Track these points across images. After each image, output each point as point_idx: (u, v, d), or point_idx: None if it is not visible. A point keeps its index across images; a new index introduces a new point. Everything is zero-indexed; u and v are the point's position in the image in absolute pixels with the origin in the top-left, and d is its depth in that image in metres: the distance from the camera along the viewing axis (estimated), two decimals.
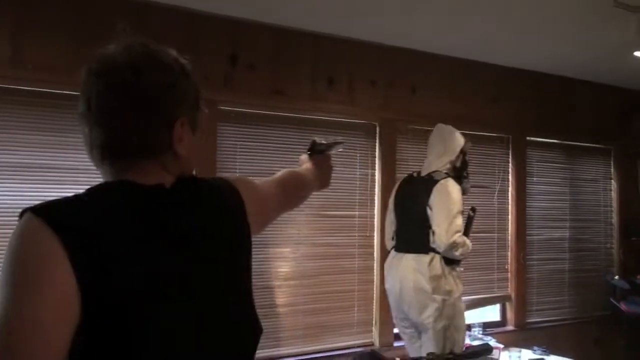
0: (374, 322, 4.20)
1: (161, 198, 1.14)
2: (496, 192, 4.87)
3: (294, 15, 3.68)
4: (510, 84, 4.89)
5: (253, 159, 3.77)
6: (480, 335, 4.50)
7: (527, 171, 5.03)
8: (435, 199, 3.51)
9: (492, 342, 4.40)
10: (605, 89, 5.47)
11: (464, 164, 3.76)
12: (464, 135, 3.79)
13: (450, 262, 3.52)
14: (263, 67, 3.80)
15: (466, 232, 3.61)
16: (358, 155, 4.17)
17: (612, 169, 5.67)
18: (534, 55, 4.55)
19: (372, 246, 4.21)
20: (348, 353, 3.95)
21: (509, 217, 4.93)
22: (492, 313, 4.96)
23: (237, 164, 3.72)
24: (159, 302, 1.05)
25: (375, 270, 4.21)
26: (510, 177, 4.95)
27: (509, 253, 4.92)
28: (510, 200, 4.94)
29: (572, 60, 4.68)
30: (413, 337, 3.66)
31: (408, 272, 3.54)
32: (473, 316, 4.75)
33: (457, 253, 3.48)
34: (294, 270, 3.91)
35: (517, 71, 4.89)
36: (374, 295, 4.21)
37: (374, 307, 4.21)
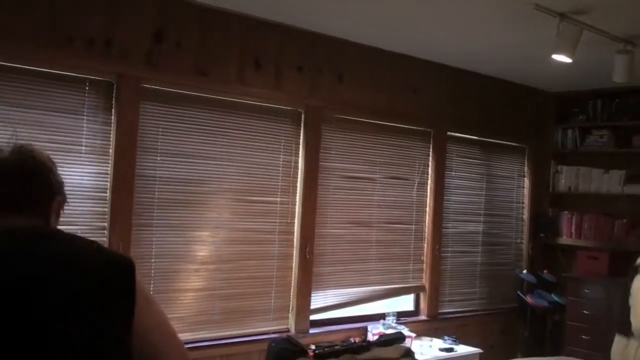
0: (290, 308, 4.21)
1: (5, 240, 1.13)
2: (415, 185, 4.96)
3: None
4: (431, 79, 4.97)
5: (176, 140, 3.68)
6: (393, 324, 4.59)
7: (446, 165, 5.16)
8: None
9: (405, 331, 4.51)
10: (523, 89, 5.66)
11: None
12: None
13: None
14: (189, 47, 3.70)
15: None
16: (282, 141, 4.15)
17: (525, 167, 5.89)
18: (454, 52, 4.64)
19: (292, 233, 4.21)
20: (264, 339, 3.94)
21: (427, 209, 5.04)
22: (406, 303, 5.07)
23: (159, 144, 3.62)
24: None
25: (294, 258, 4.21)
26: (430, 171, 5.06)
27: (425, 245, 5.04)
28: (428, 193, 5.05)
29: (492, 59, 4.80)
30: None
31: None
32: (387, 305, 4.84)
33: None
34: (213, 254, 3.86)
35: (438, 66, 4.98)
36: (292, 282, 4.21)
37: (292, 293, 4.21)
